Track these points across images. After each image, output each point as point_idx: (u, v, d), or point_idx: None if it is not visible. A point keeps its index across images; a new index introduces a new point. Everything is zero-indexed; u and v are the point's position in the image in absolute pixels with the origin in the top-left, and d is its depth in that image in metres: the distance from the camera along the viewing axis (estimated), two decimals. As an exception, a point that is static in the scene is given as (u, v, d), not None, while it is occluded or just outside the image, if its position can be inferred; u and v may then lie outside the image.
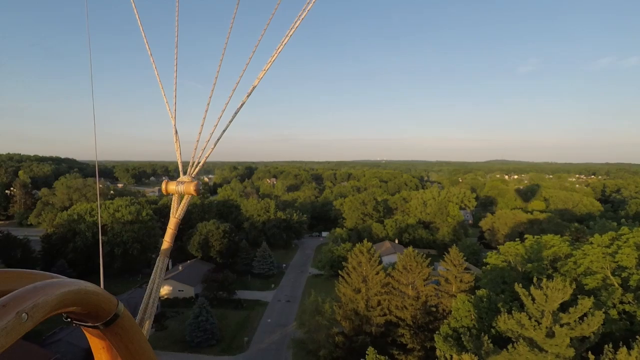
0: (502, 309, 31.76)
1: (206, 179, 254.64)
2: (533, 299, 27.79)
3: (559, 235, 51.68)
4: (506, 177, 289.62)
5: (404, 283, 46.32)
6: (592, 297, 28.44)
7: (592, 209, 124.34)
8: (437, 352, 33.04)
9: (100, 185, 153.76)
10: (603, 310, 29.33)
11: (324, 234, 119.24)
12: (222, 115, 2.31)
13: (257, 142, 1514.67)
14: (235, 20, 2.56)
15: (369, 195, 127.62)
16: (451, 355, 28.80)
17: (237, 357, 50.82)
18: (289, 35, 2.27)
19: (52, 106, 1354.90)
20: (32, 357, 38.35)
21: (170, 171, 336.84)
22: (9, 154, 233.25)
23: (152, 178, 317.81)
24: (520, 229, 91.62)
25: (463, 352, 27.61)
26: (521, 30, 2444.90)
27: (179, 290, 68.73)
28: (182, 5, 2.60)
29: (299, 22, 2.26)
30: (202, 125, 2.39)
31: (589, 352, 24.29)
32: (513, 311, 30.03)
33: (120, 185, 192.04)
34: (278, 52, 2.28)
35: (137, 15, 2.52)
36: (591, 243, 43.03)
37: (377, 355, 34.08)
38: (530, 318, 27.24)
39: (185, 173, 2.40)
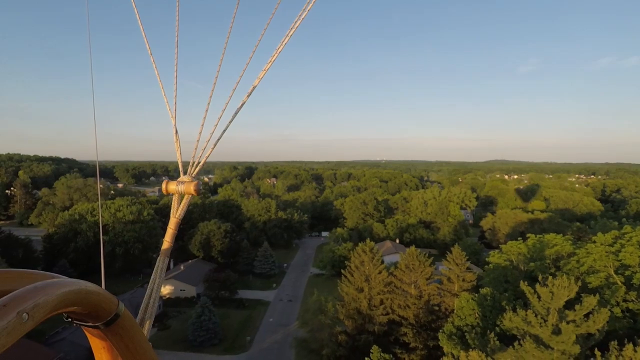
0: (507, 307, 31.81)
1: (206, 179, 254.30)
2: (539, 297, 27.85)
3: (561, 235, 51.77)
4: (506, 177, 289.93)
5: (407, 282, 46.34)
6: (597, 295, 28.51)
7: (593, 209, 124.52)
8: (445, 349, 33.06)
9: (101, 185, 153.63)
10: (607, 308, 29.40)
11: (324, 233, 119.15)
12: (222, 115, 2.31)
13: (257, 142, 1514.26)
14: (235, 20, 2.55)
15: (370, 195, 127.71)
16: (458, 354, 28.81)
17: (240, 356, 50.87)
18: (289, 35, 2.27)
19: (52, 106, 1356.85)
20: (36, 356, 38.44)
21: (170, 171, 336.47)
22: (9, 154, 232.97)
23: (152, 178, 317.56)
24: (521, 228, 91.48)
25: (469, 350, 27.63)
26: (521, 30, 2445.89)
27: (181, 290, 68.77)
28: (182, 5, 2.60)
29: (299, 22, 2.26)
30: (202, 125, 2.39)
31: (595, 349, 24.35)
32: (518, 309, 30.09)
33: (120, 185, 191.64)
34: (278, 52, 2.28)
35: (137, 15, 2.51)
36: (594, 242, 43.16)
37: (381, 354, 34.12)
38: (536, 315, 27.30)
39: (185, 173, 2.40)
